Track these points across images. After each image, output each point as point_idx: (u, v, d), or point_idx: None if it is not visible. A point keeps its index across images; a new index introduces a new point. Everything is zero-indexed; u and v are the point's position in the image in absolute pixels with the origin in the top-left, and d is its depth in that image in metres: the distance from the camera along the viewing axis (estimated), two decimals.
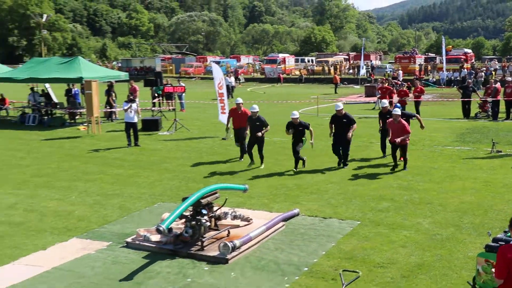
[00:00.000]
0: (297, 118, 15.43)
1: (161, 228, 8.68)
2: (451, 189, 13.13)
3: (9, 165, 17.31)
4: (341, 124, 15.54)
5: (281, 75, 61.63)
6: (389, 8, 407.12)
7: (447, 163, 16.21)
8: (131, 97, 20.77)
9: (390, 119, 15.33)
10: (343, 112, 15.66)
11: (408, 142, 15.19)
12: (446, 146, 19.01)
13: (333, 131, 15.69)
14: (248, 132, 16.32)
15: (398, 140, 14.63)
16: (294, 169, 15.37)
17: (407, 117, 16.26)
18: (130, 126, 20.03)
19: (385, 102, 17.53)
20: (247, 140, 16.59)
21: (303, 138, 15.60)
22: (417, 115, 17.62)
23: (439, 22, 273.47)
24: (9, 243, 10.01)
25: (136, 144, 20.19)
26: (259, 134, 15.75)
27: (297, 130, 15.40)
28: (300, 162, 15.65)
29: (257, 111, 16.10)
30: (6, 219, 11.48)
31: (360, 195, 12.72)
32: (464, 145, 19.10)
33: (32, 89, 31.40)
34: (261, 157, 16.26)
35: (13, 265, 8.97)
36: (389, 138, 15.46)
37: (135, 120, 20.25)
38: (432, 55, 73.12)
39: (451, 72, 51.31)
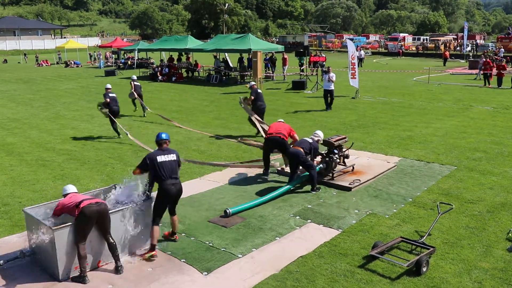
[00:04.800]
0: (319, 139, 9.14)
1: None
2: None
3: (198, 110, 18.20)
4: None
5: (401, 50, 58.14)
6: None
7: None
8: (326, 69, 18.57)
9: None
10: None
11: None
12: None
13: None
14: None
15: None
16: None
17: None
18: (327, 92, 17.67)
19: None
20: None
21: None
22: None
23: None
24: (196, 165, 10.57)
25: (329, 106, 17.66)
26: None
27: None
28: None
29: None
30: (196, 148, 12.13)
31: (458, 146, 11.81)
32: None
33: (215, 57, 32.45)
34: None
35: (199, 180, 9.48)
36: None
37: (331, 87, 17.56)
38: None
39: None
